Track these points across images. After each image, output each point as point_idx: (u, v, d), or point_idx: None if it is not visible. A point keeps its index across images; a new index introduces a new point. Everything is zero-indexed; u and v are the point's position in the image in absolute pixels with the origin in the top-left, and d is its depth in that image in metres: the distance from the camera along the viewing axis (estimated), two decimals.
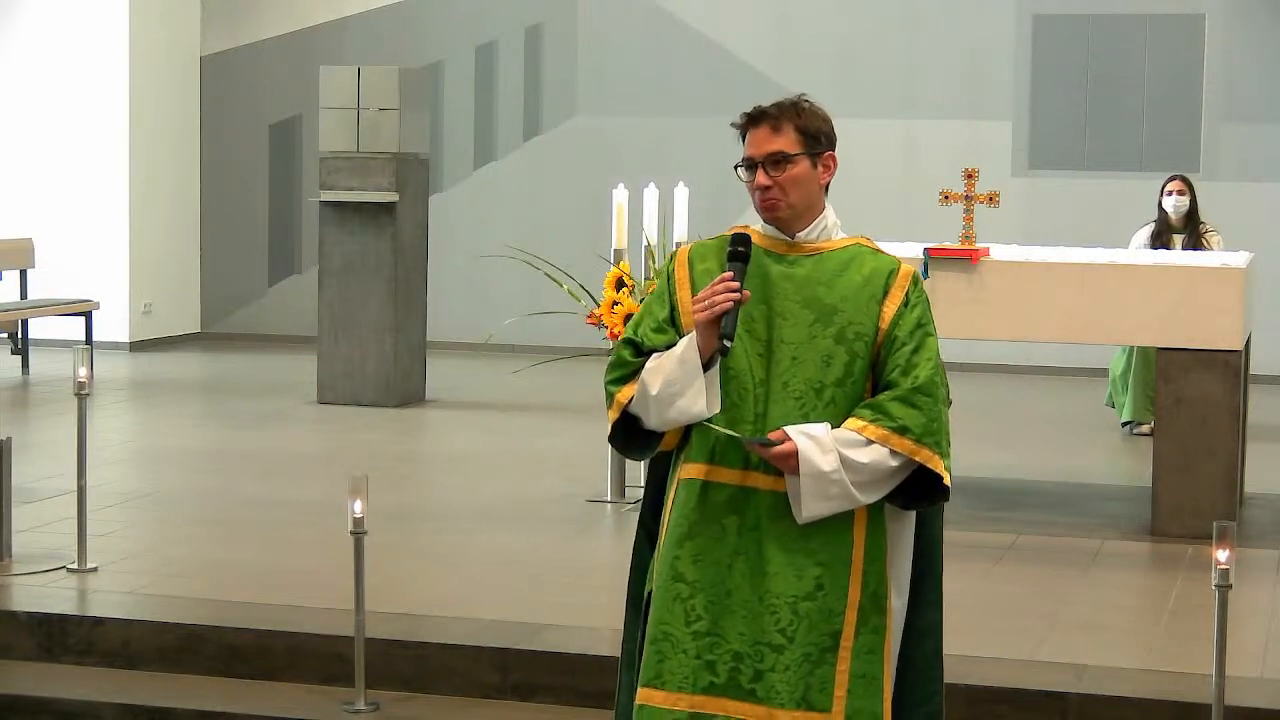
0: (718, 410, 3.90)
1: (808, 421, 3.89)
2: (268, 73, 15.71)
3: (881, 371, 3.95)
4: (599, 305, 8.67)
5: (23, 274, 14.20)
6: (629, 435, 4.03)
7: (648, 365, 3.95)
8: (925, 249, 8.45)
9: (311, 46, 15.50)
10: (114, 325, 14.77)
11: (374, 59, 14.85)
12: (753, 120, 3.99)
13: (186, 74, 15.63)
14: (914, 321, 3.98)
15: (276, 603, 6.90)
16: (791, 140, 3.95)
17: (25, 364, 13.55)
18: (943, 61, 14.46)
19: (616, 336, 8.40)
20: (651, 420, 3.96)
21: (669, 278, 4.07)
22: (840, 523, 3.91)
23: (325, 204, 12.13)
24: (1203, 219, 11.48)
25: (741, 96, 14.54)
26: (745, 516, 3.92)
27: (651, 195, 9.13)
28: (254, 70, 15.73)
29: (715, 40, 14.87)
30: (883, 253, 4.08)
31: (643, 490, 4.24)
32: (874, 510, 3.95)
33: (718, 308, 3.83)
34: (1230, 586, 5.30)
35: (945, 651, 6.30)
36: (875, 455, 3.86)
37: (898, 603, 4.02)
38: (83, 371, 7.30)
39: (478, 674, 6.36)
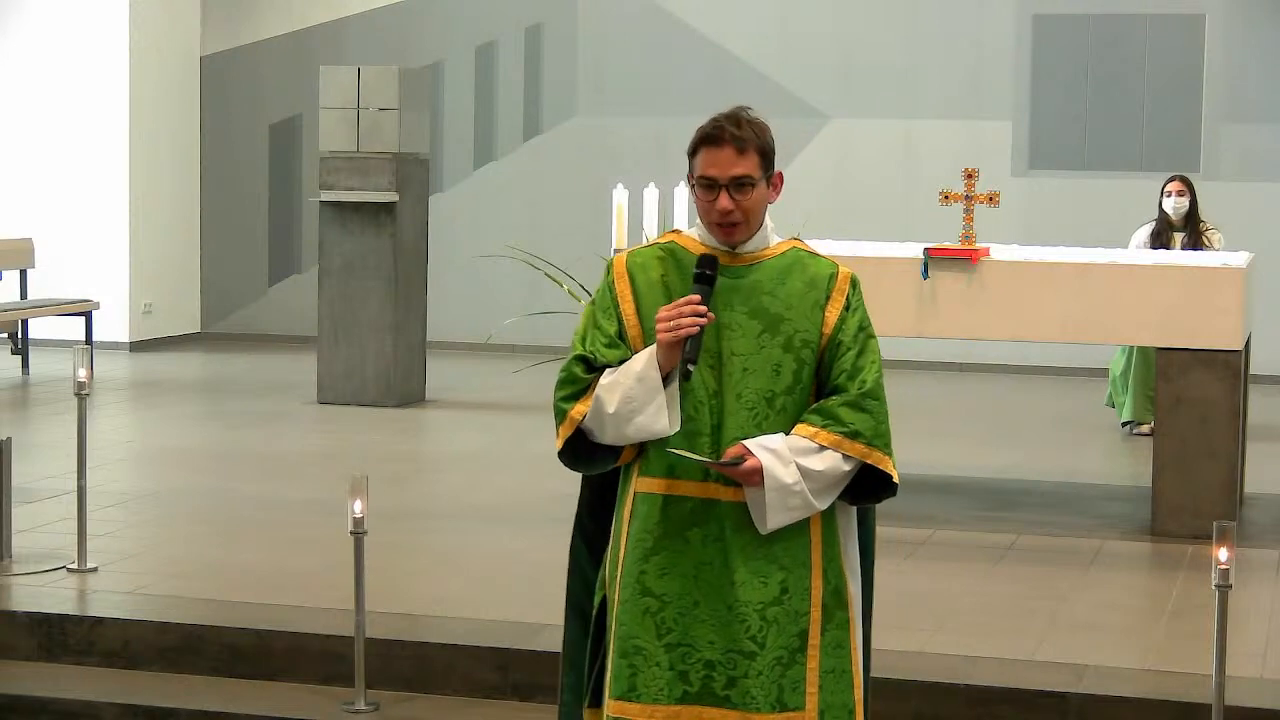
0: (678, 427, 3.92)
1: (761, 431, 3.92)
2: (268, 73, 15.71)
3: (826, 375, 3.99)
4: None
5: (23, 274, 14.20)
6: (577, 451, 4.01)
7: (602, 382, 3.93)
8: (925, 249, 8.44)
9: (311, 46, 15.50)
10: (114, 325, 14.77)
11: (374, 59, 14.86)
12: (716, 138, 3.92)
13: (186, 74, 15.64)
14: (856, 325, 4.01)
15: (276, 603, 6.90)
16: (754, 164, 3.93)
17: (25, 364, 13.55)
18: (943, 61, 14.46)
19: None
20: (607, 437, 3.96)
21: (610, 290, 4.04)
22: (798, 526, 3.96)
23: (325, 204, 12.13)
24: (1203, 218, 11.48)
25: (741, 96, 14.58)
26: (708, 528, 3.95)
27: (651, 195, 9.13)
28: (254, 70, 15.73)
29: (715, 40, 14.87)
30: (819, 256, 4.10)
31: (580, 496, 4.22)
32: (826, 510, 3.99)
33: (682, 331, 3.84)
34: (1230, 586, 5.30)
35: (946, 651, 6.36)
36: (829, 462, 3.91)
37: (854, 589, 4.08)
38: (83, 371, 7.30)
39: (478, 674, 6.36)
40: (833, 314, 3.99)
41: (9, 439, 7.69)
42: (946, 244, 8.67)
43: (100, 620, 6.70)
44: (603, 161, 14.76)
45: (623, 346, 3.99)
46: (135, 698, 6.33)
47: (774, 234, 4.08)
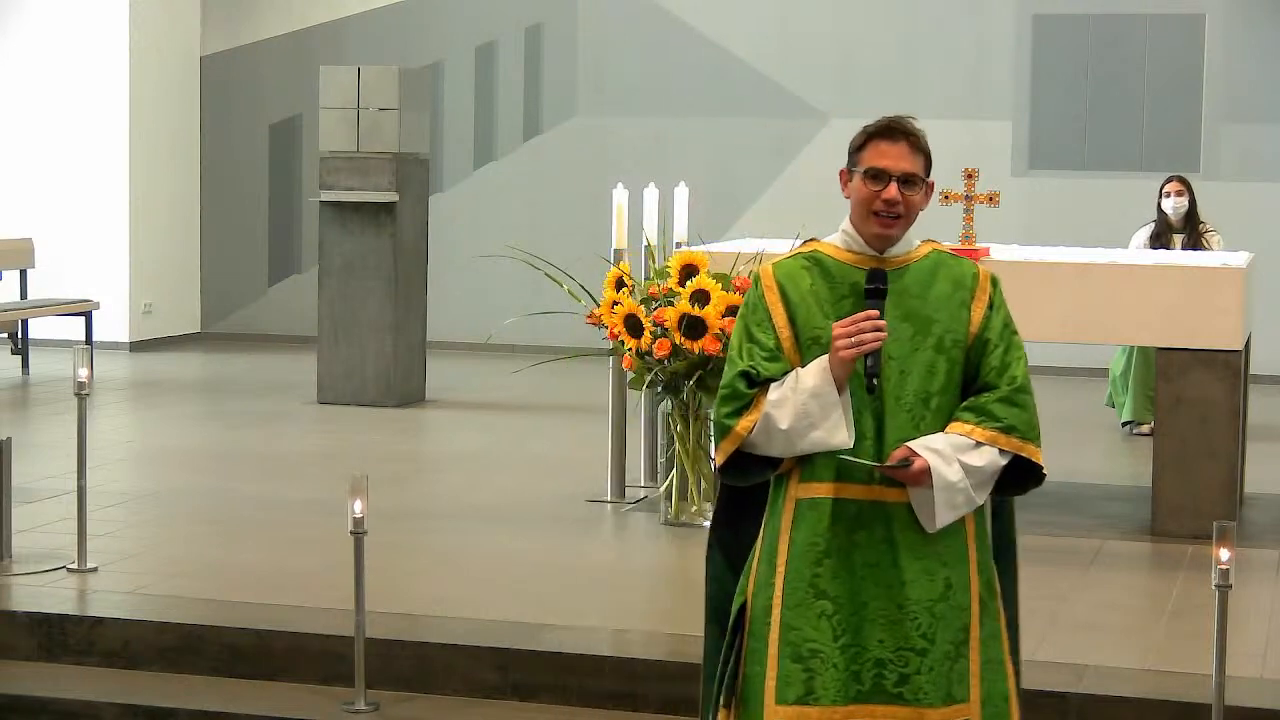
0: (853, 440, 3.98)
1: (920, 432, 4.01)
2: (268, 73, 15.71)
3: (974, 372, 4.09)
4: (599, 305, 8.66)
5: (23, 274, 14.20)
6: (736, 464, 4.07)
7: (770, 398, 3.99)
8: None
9: (311, 46, 15.50)
10: (114, 325, 14.77)
11: (374, 59, 14.85)
12: (891, 133, 4.07)
13: (186, 74, 15.63)
14: (1001, 323, 4.12)
15: (276, 603, 6.89)
16: (921, 165, 4.09)
17: (25, 364, 13.55)
18: (943, 61, 14.46)
19: (616, 336, 8.40)
20: (774, 450, 4.02)
21: (762, 302, 4.09)
22: (955, 523, 4.05)
23: (325, 204, 12.13)
24: (1202, 219, 11.47)
25: (741, 96, 14.70)
26: (874, 530, 4.02)
27: (651, 195, 9.13)
28: (254, 70, 15.73)
29: (715, 40, 14.86)
30: (958, 256, 4.24)
31: (716, 505, 4.29)
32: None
33: (866, 346, 3.92)
34: (1230, 586, 5.30)
35: None
36: (988, 457, 4.01)
37: (996, 580, 4.16)
38: (83, 371, 7.30)
39: (478, 674, 6.36)
40: (978, 312, 4.10)
41: (9, 439, 7.68)
42: (946, 244, 8.65)
43: (100, 620, 6.70)
44: (603, 161, 14.76)
45: (783, 359, 4.05)
46: (135, 698, 6.33)
47: (915, 237, 4.20)
